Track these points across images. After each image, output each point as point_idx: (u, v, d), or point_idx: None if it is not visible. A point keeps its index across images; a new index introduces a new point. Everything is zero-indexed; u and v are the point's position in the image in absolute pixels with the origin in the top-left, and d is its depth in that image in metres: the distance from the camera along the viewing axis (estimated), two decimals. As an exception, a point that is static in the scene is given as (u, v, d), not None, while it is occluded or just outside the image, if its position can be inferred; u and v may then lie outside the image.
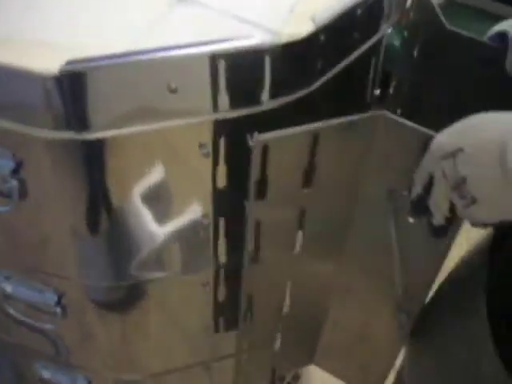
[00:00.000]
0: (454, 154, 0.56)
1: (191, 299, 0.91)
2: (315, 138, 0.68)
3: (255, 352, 0.99)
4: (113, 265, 0.82)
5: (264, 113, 0.69)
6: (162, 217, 0.78)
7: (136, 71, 0.62)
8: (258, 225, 0.76)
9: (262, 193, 0.72)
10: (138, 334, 0.95)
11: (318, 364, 1.09)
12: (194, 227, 0.80)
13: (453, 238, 0.72)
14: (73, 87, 0.60)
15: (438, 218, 0.63)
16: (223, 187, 0.76)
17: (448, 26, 0.81)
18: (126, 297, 0.88)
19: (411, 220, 0.73)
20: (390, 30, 0.83)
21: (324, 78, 0.72)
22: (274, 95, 0.68)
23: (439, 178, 0.59)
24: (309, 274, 0.88)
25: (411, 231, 0.74)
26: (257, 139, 0.66)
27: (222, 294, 0.91)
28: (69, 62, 0.59)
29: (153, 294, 0.88)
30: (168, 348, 1.00)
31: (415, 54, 0.84)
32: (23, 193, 0.73)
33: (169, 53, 0.62)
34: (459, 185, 0.55)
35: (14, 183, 0.71)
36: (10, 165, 0.69)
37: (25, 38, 0.63)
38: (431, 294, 1.02)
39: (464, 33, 0.80)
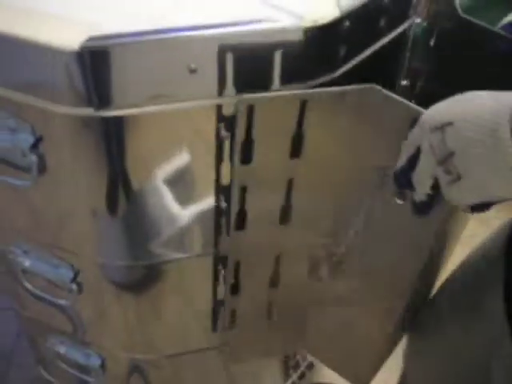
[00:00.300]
0: (443, 128, 0.54)
1: (207, 282, 0.91)
2: (303, 104, 0.67)
3: (245, 328, 0.99)
4: (130, 244, 0.83)
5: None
6: (180, 197, 0.78)
7: (157, 50, 0.62)
8: (243, 190, 0.75)
9: (248, 157, 0.71)
10: (153, 315, 0.95)
11: (309, 351, 1.08)
12: (212, 209, 0.80)
13: (437, 220, 0.70)
14: (94, 64, 0.60)
15: (420, 194, 0.62)
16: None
17: (462, 14, 0.79)
18: (142, 277, 0.88)
19: (398, 201, 0.71)
20: (418, 20, 0.81)
21: (348, 66, 0.71)
22: (293, 80, 0.67)
23: (426, 151, 0.57)
24: (296, 248, 0.87)
25: (397, 211, 0.72)
26: (242, 98, 0.65)
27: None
28: (90, 39, 0.59)
29: (169, 276, 0.88)
30: (182, 331, 1.01)
31: (432, 43, 0.82)
32: (42, 168, 0.73)
33: (191, 33, 0.62)
34: (446, 159, 0.54)
35: (34, 158, 0.71)
36: (29, 139, 0.70)
37: (47, 13, 0.63)
38: (439, 284, 1.02)
39: (477, 22, 0.79)
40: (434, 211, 0.67)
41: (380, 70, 0.80)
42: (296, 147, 0.72)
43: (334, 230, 0.84)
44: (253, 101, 0.66)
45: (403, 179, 0.63)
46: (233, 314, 0.95)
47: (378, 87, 0.66)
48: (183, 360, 1.08)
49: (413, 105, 0.63)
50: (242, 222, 0.80)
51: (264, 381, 1.31)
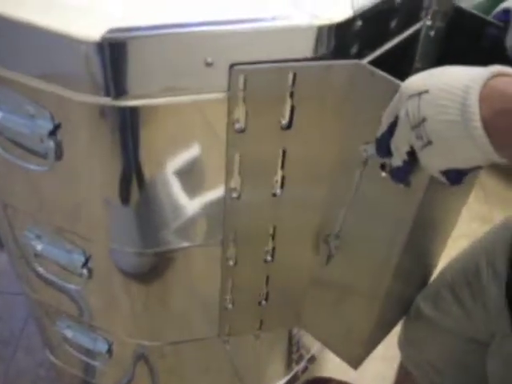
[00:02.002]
0: (420, 95, 0.57)
1: (215, 272, 0.93)
2: (293, 76, 0.69)
3: (241, 304, 1.00)
4: (141, 232, 0.84)
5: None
6: (191, 187, 0.80)
7: (174, 44, 0.64)
8: (239, 160, 0.77)
9: (242, 127, 0.74)
10: (160, 302, 0.97)
11: (304, 328, 1.10)
12: (222, 200, 0.82)
13: (418, 191, 0.72)
14: (112, 55, 0.62)
15: (397, 160, 0.64)
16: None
17: (456, 2, 0.81)
18: (151, 264, 0.90)
19: (383, 173, 0.73)
20: (429, 22, 0.83)
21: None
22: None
23: (403, 117, 0.60)
24: (290, 221, 0.88)
25: (382, 184, 0.74)
26: (236, 69, 0.67)
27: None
28: (111, 31, 0.61)
29: (177, 264, 0.90)
30: (187, 319, 1.03)
31: (432, 34, 0.84)
32: (59, 154, 0.75)
33: (208, 28, 0.64)
34: (419, 124, 0.57)
35: (51, 144, 0.73)
36: (48, 125, 0.72)
37: (69, 5, 0.65)
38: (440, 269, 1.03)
39: (469, 10, 0.81)
40: (415, 182, 0.69)
41: (392, 70, 0.82)
42: (287, 117, 0.74)
43: (324, 205, 0.86)
44: (246, 72, 0.68)
45: (384, 146, 0.66)
46: (230, 290, 0.97)
47: (363, 63, 0.68)
48: (188, 349, 1.10)
49: (395, 79, 0.65)
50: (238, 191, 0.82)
51: (267, 372, 1.33)
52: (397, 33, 0.77)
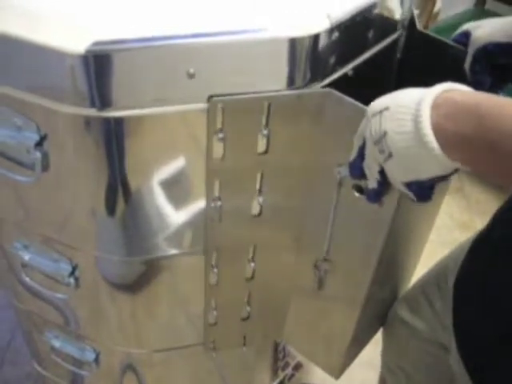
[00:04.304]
0: (381, 112, 0.61)
1: (199, 280, 0.94)
2: (268, 106, 0.72)
3: (225, 321, 1.03)
4: (127, 240, 0.85)
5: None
6: (175, 196, 0.81)
7: (158, 55, 0.65)
8: (219, 184, 0.81)
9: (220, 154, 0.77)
10: (147, 310, 0.98)
11: (286, 340, 1.12)
12: (204, 209, 0.83)
13: (390, 209, 0.75)
14: (97, 67, 0.64)
15: (372, 182, 0.67)
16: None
17: (418, 27, 0.86)
18: (136, 274, 0.91)
19: (356, 194, 0.76)
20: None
21: (336, 75, 0.75)
22: (285, 87, 0.72)
23: (368, 136, 0.64)
24: (270, 241, 0.91)
25: (357, 204, 0.77)
26: (214, 100, 0.70)
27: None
28: (95, 43, 0.63)
29: (163, 272, 0.91)
30: (174, 327, 1.03)
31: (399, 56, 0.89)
32: (45, 165, 0.76)
33: (190, 40, 0.66)
34: (380, 139, 0.61)
35: (38, 155, 0.75)
36: (34, 137, 0.73)
37: (54, 18, 0.67)
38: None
39: (432, 34, 0.86)
40: (387, 200, 0.72)
41: (369, 79, 0.84)
42: (264, 145, 0.77)
43: (304, 226, 0.89)
44: (224, 103, 0.71)
45: (357, 169, 0.68)
46: (214, 308, 0.99)
47: (333, 91, 0.72)
48: (175, 358, 1.10)
49: (362, 105, 0.69)
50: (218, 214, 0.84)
51: (254, 379, 1.34)
52: (374, 43, 0.79)
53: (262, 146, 0.77)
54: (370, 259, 0.83)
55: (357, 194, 0.76)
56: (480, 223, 2.05)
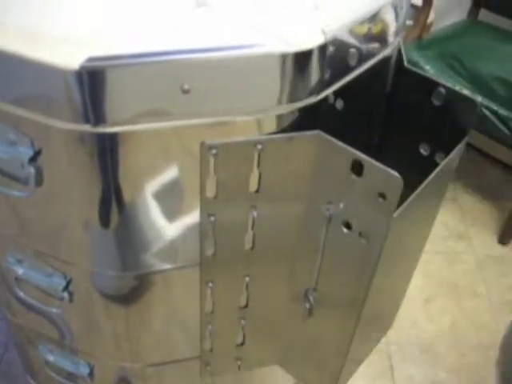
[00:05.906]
0: None
1: (194, 294, 0.94)
2: (260, 148, 0.75)
3: (220, 349, 1.04)
4: (121, 255, 0.85)
5: (274, 117, 0.73)
6: (169, 211, 0.81)
7: (152, 71, 0.65)
8: (212, 222, 0.82)
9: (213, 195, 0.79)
10: (141, 324, 0.98)
11: (281, 365, 1.13)
12: (197, 222, 0.83)
13: (377, 247, 0.77)
14: (91, 83, 0.64)
15: None
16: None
17: (405, 64, 0.88)
18: (130, 288, 0.91)
19: (345, 230, 0.79)
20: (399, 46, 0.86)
21: (331, 89, 0.75)
22: (280, 102, 0.72)
23: None
24: (263, 273, 0.93)
25: (344, 240, 0.80)
26: (205, 144, 0.73)
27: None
28: (89, 59, 0.63)
29: (157, 287, 0.91)
30: (168, 341, 1.03)
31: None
32: (39, 180, 0.76)
33: (184, 56, 0.66)
34: None
35: (32, 170, 0.75)
36: (28, 152, 0.73)
37: (48, 33, 0.67)
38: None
39: (415, 70, 0.89)
40: (374, 236, 0.76)
41: (363, 94, 0.84)
42: (255, 183, 0.79)
43: (295, 260, 0.91)
44: (215, 145, 0.73)
45: None
46: (209, 336, 1.01)
47: (322, 134, 0.74)
48: (170, 372, 1.10)
49: (352, 149, 0.72)
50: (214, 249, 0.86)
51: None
52: (368, 58, 0.79)
53: (253, 185, 0.79)
54: (359, 290, 0.85)
55: (345, 230, 0.79)
56: (474, 233, 2.05)
